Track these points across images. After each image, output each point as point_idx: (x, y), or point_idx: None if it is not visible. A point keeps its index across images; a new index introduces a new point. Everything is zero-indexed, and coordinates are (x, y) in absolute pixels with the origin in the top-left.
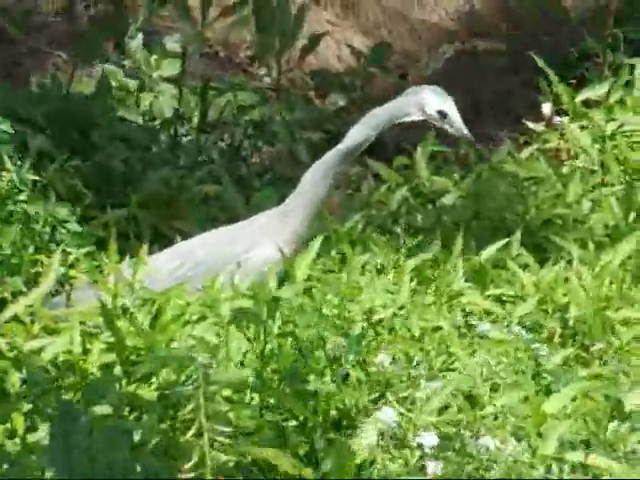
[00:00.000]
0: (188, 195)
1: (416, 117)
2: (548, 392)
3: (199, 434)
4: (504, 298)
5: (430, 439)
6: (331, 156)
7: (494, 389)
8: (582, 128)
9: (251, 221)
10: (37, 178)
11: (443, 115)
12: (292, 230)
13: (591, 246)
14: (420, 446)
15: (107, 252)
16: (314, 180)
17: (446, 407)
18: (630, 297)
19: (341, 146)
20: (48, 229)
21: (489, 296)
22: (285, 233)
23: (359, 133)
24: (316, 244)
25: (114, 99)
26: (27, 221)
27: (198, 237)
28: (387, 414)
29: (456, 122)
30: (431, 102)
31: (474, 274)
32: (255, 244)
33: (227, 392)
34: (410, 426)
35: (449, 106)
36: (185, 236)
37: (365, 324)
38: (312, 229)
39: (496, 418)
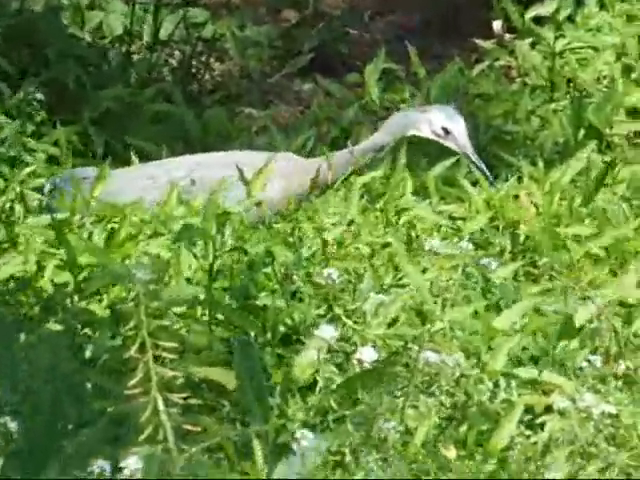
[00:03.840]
0: (139, 112)
1: (425, 134)
2: (498, 308)
3: (145, 350)
4: (454, 215)
5: (369, 354)
6: (344, 152)
7: (444, 305)
8: (532, 45)
9: (266, 155)
10: None
11: (446, 132)
12: (279, 186)
13: (541, 163)
14: (360, 361)
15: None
16: (330, 163)
17: (394, 322)
18: (580, 214)
19: (358, 147)
20: (5, 149)
21: (439, 213)
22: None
23: (380, 138)
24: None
25: (64, 16)
26: None
27: (207, 154)
28: (327, 331)
29: (460, 140)
30: (437, 119)
31: (424, 191)
32: None
33: (181, 309)
34: (357, 339)
35: (455, 124)
36: (138, 153)
37: (315, 240)
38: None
39: (444, 335)
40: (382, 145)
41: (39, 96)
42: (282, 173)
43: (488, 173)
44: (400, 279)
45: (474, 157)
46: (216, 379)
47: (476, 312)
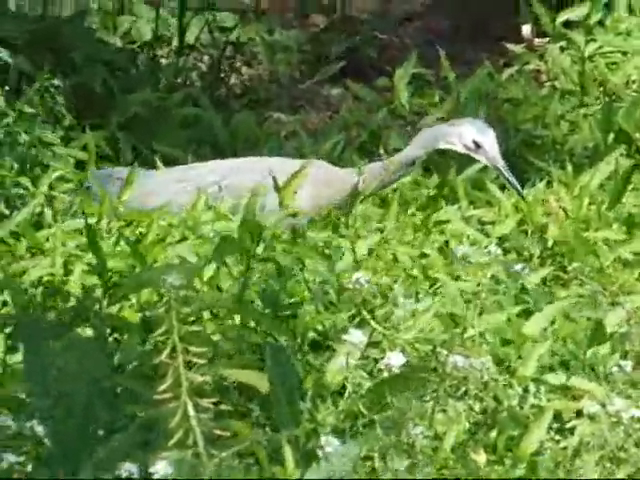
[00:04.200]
0: (167, 117)
1: (457, 148)
2: (528, 313)
3: (175, 356)
4: (483, 219)
5: (398, 359)
6: (377, 165)
7: (474, 311)
8: (562, 49)
9: (299, 162)
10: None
11: (477, 145)
12: (308, 194)
13: (570, 167)
14: (388, 367)
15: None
16: (360, 176)
17: (424, 328)
18: (609, 218)
19: (391, 159)
20: (34, 151)
21: (469, 217)
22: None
23: (412, 152)
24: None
25: (93, 21)
26: (12, 143)
27: (240, 159)
28: (356, 336)
29: (491, 153)
30: (468, 133)
31: (453, 196)
32: None
33: (212, 315)
34: (387, 345)
35: (486, 138)
36: (165, 158)
37: (349, 249)
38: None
39: (474, 341)
40: (414, 158)
41: (56, 82)
42: (311, 181)
43: (518, 186)
44: (433, 286)
45: (505, 170)
46: (248, 382)
47: (509, 319)
